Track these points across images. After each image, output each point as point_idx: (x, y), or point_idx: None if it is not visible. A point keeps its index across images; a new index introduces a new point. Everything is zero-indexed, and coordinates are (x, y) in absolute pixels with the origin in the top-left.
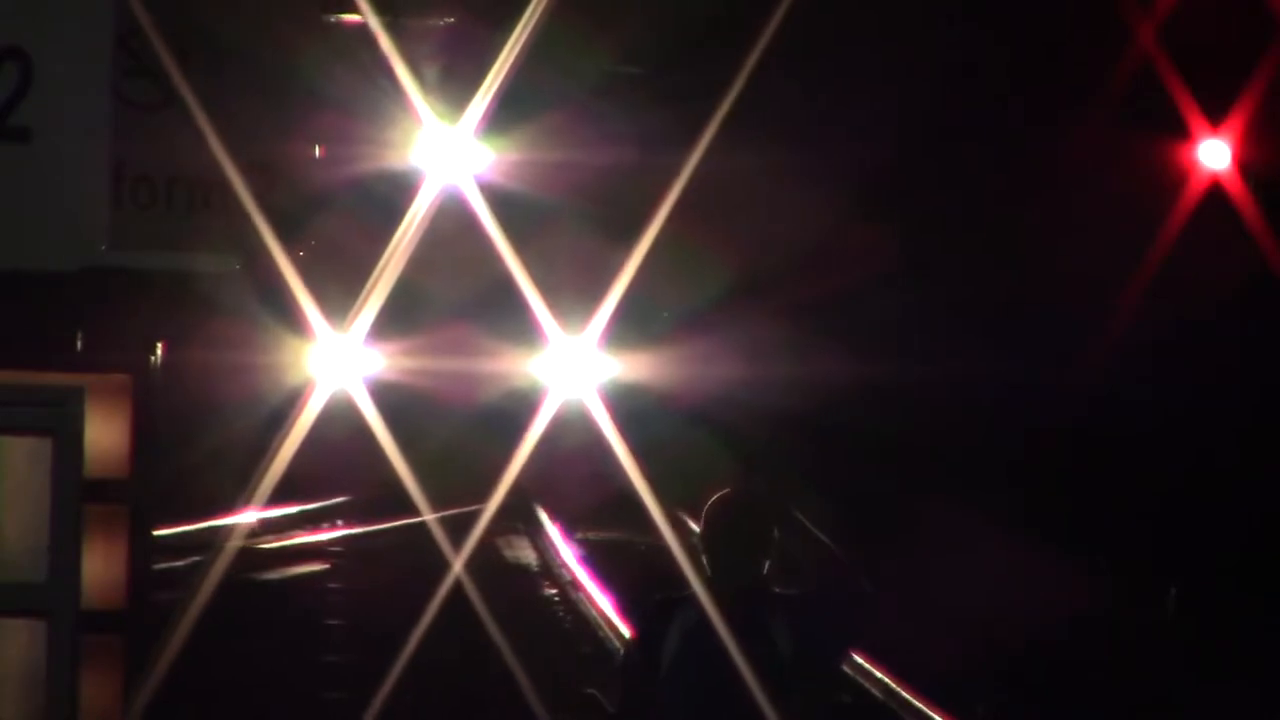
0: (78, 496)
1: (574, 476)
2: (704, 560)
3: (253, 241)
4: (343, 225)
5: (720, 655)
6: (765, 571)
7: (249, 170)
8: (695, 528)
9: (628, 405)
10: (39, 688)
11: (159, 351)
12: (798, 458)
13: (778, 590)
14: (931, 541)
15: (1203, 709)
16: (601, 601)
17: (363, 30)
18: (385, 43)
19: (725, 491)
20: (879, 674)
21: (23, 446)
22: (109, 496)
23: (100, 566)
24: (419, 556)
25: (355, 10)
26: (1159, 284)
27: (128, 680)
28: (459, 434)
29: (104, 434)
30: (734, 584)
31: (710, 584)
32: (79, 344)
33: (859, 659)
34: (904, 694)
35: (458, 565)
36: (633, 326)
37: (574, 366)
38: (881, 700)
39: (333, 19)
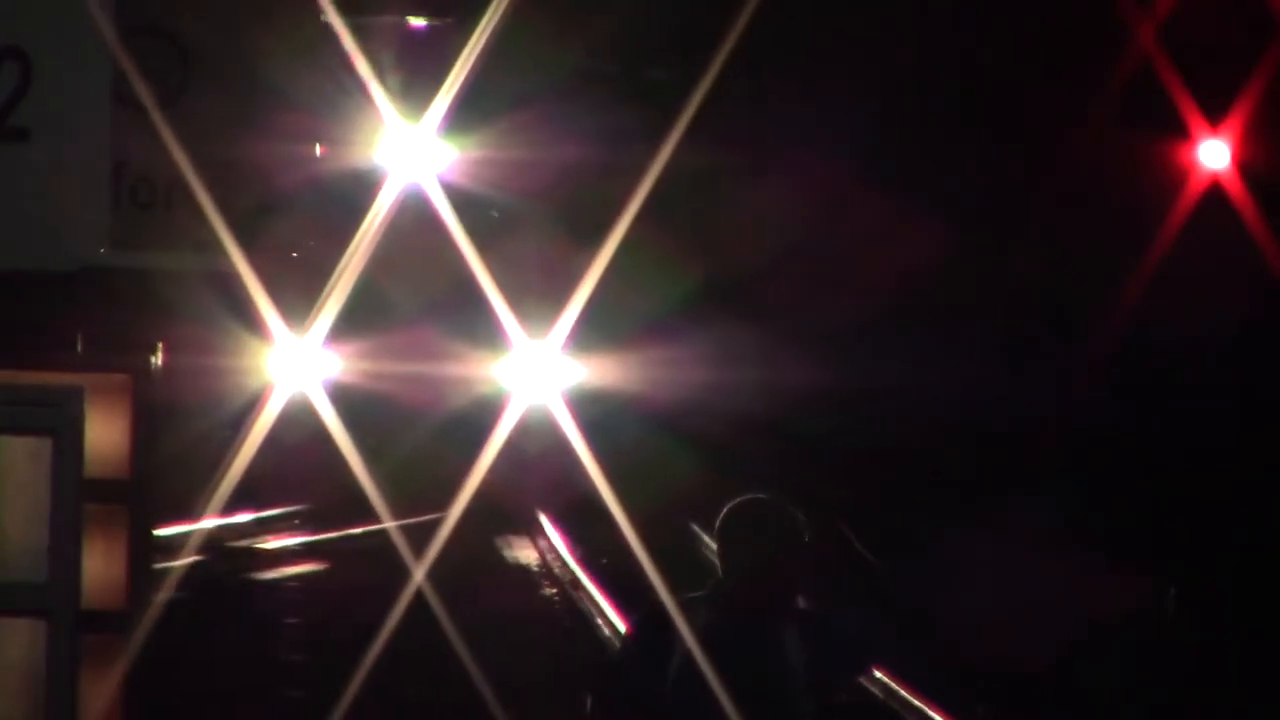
0: (78, 496)
1: (540, 481)
2: (716, 562)
3: (214, 240)
4: (304, 226)
5: (725, 663)
6: (784, 581)
7: (247, 170)
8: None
9: (593, 410)
10: (39, 687)
11: (159, 352)
12: (764, 464)
13: (798, 603)
14: (912, 547)
15: (1202, 709)
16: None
17: (326, 28)
18: (349, 40)
19: (749, 496)
20: (879, 674)
21: (23, 446)
22: (109, 496)
23: (100, 566)
24: (379, 566)
25: (358, 11)
26: (1158, 284)
27: (127, 680)
28: (425, 439)
29: (104, 434)
30: (744, 590)
31: (720, 587)
32: (79, 344)
33: None
34: (904, 694)
35: (418, 574)
36: (599, 330)
37: (539, 371)
38: (881, 700)
39: (331, 20)
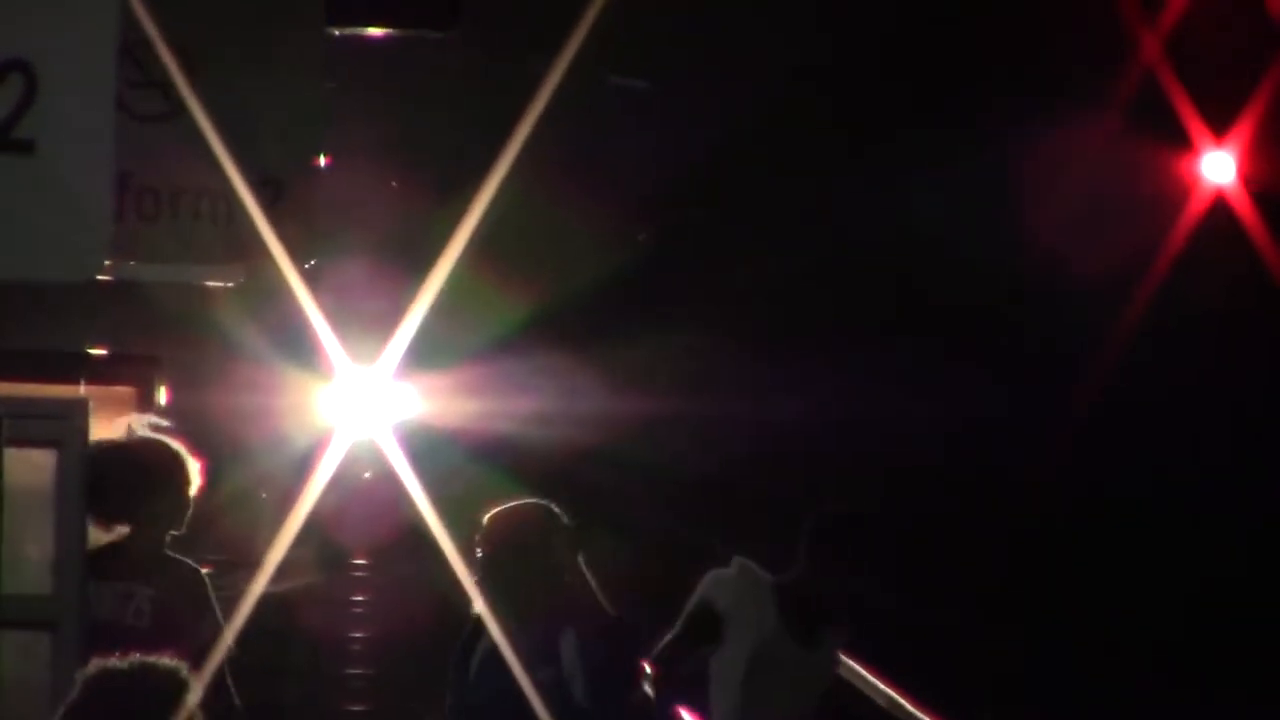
0: (82, 509)
1: (366, 511)
2: (483, 578)
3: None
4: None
5: (508, 677)
6: (552, 590)
7: (255, 184)
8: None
9: (420, 439)
10: (45, 700)
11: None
12: (593, 493)
13: (572, 612)
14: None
15: None
16: None
17: None
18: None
19: (506, 506)
20: (882, 685)
21: (28, 459)
22: None
23: None
24: None
25: (360, 23)
26: (1157, 300)
27: None
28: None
29: None
30: (514, 603)
31: (493, 604)
32: (83, 357)
33: (860, 669)
34: (907, 705)
35: (228, 636)
36: (430, 357)
37: (366, 400)
38: (885, 708)
39: (337, 32)
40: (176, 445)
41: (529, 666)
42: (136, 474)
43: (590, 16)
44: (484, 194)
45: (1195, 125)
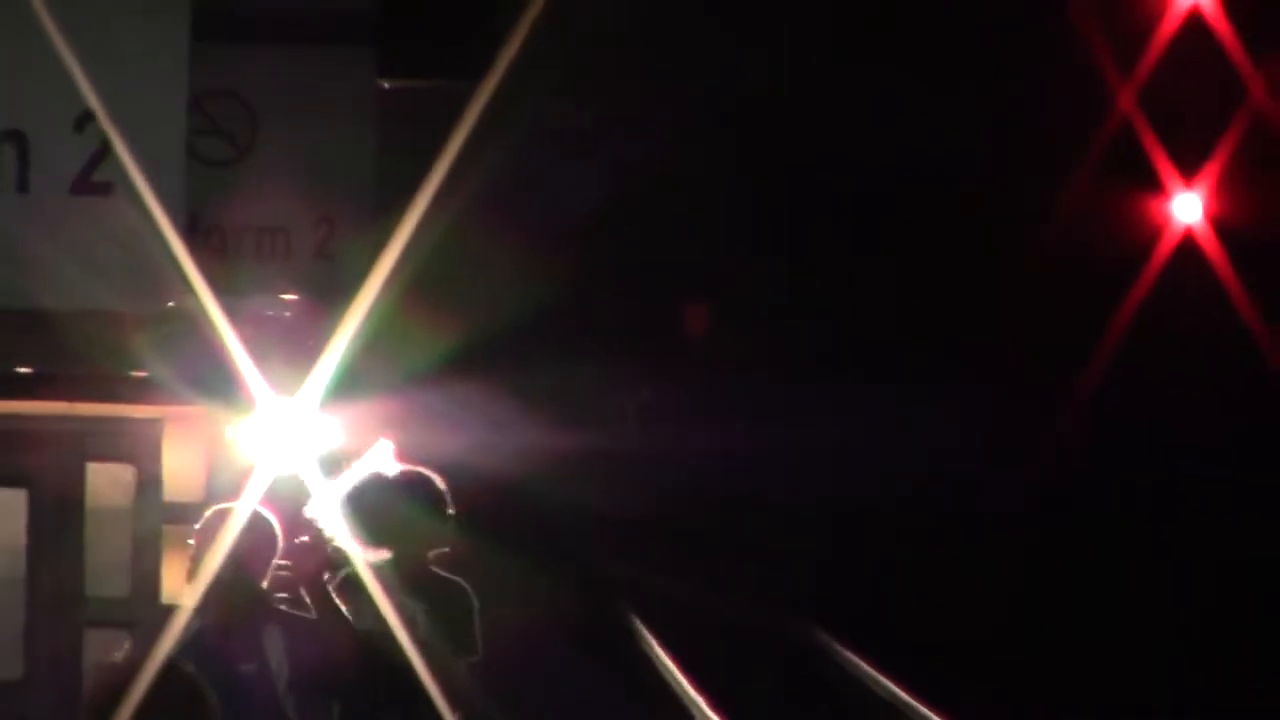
0: (157, 519)
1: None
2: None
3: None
4: None
5: (226, 682)
6: (258, 588)
7: (313, 222)
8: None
9: (340, 472)
10: None
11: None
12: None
13: (282, 609)
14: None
15: None
16: None
17: None
18: None
19: (226, 505)
20: (919, 705)
21: (108, 473)
22: (185, 519)
23: (178, 582)
24: None
25: (411, 76)
26: (1127, 342)
27: None
28: None
29: (180, 461)
30: (223, 599)
31: (210, 601)
32: (159, 380)
33: (895, 688)
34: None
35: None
36: (352, 390)
37: (286, 432)
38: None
39: (387, 85)
40: (432, 473)
41: (234, 660)
42: (401, 502)
43: (512, 48)
44: (409, 223)
45: (1166, 168)
